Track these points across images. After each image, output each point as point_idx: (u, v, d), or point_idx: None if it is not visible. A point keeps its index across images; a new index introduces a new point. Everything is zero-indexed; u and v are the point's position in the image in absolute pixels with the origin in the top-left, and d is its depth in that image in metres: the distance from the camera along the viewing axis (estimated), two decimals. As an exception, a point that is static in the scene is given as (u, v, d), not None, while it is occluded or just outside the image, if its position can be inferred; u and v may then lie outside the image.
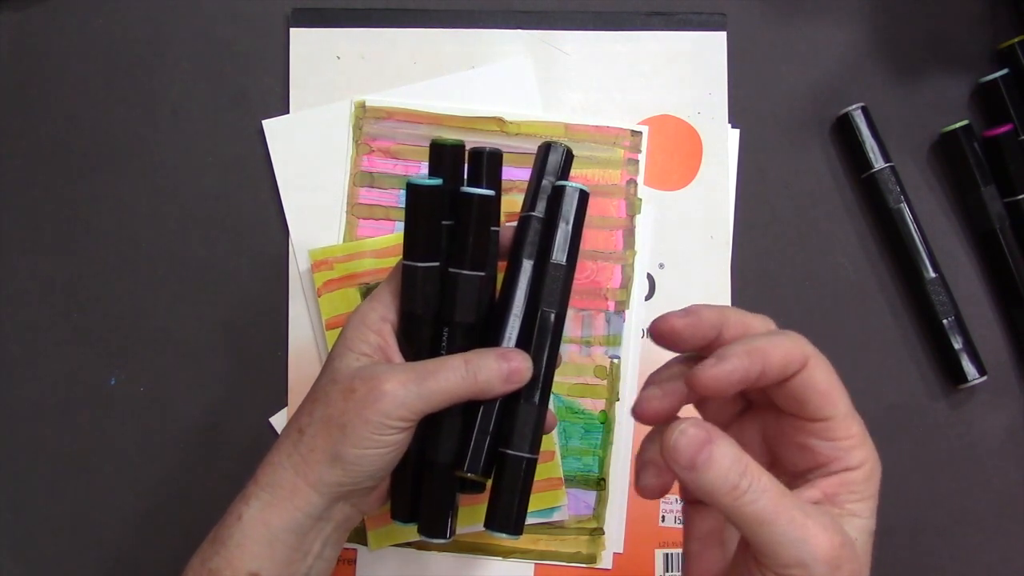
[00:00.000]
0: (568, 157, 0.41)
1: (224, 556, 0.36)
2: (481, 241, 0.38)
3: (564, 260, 0.38)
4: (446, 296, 0.38)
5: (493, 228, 0.40)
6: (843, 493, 0.30)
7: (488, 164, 0.40)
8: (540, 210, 0.39)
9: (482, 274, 0.38)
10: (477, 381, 0.37)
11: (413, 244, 0.38)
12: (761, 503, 0.27)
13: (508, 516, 0.38)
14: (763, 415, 0.33)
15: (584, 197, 0.39)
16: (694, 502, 0.34)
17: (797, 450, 0.31)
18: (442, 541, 0.39)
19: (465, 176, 0.40)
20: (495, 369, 0.37)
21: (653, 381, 0.33)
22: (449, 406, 0.37)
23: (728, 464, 0.27)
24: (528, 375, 0.38)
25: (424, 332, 0.39)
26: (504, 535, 0.38)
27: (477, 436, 0.38)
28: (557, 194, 0.39)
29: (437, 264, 0.38)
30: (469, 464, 0.38)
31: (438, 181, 0.38)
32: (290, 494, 0.37)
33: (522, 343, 0.39)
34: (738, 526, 0.28)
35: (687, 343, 0.32)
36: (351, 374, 0.37)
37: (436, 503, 0.39)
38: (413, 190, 0.38)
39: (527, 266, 0.39)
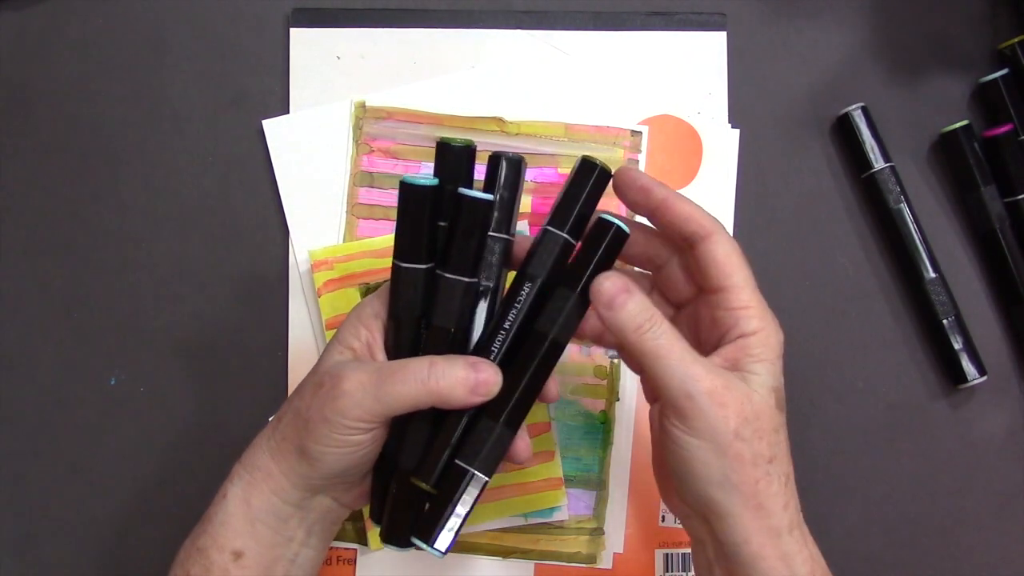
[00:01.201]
0: (602, 176, 0.38)
1: (211, 534, 0.37)
2: (469, 245, 0.36)
3: (578, 290, 0.36)
4: (428, 297, 0.37)
5: (504, 236, 0.38)
6: (742, 358, 0.35)
7: (507, 171, 0.38)
8: (561, 226, 0.37)
9: (468, 280, 0.37)
10: (439, 387, 0.35)
11: (400, 243, 0.37)
12: (659, 340, 0.34)
13: (430, 525, 0.36)
14: (691, 311, 0.39)
15: (622, 236, 0.36)
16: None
17: (708, 326, 0.37)
18: (400, 550, 0.37)
19: (474, 179, 0.39)
20: (460, 378, 0.35)
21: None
22: (411, 411, 0.36)
23: (637, 307, 0.34)
24: (495, 389, 0.36)
25: (405, 334, 0.37)
26: (424, 546, 0.35)
27: (436, 445, 0.36)
28: (599, 227, 0.36)
29: (423, 266, 0.37)
30: (422, 472, 0.36)
31: (433, 181, 0.36)
32: (265, 477, 0.37)
33: (507, 360, 0.37)
34: (640, 362, 0.34)
35: (638, 189, 0.37)
36: (325, 369, 0.37)
37: (397, 510, 0.38)
38: (404, 188, 0.36)
39: (534, 281, 0.37)
